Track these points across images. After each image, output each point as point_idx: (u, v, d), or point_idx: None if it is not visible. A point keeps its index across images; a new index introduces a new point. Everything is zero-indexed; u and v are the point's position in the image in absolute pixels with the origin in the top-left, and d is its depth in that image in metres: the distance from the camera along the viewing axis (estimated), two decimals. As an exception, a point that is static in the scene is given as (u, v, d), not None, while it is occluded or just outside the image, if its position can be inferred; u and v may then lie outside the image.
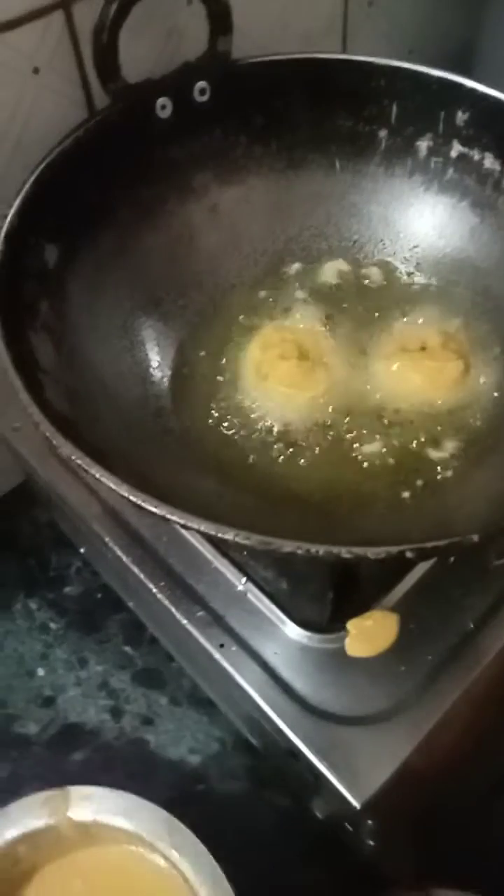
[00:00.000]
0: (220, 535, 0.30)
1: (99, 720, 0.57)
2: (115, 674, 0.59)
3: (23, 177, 0.43)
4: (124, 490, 0.32)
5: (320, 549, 0.29)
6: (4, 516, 0.67)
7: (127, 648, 0.61)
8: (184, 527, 0.31)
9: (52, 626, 0.62)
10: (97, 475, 0.33)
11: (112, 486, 0.32)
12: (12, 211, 0.41)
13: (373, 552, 0.30)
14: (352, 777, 0.38)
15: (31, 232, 0.42)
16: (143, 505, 0.31)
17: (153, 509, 0.31)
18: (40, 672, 0.60)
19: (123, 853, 0.43)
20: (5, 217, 0.41)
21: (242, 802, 0.53)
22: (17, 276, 0.40)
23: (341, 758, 0.39)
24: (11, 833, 0.42)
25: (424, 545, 0.29)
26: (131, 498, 0.32)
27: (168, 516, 0.31)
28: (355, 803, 0.37)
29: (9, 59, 0.45)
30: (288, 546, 0.30)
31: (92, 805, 0.42)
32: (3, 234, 0.40)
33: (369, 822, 0.38)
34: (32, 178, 0.42)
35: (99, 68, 0.45)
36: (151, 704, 0.58)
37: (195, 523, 0.31)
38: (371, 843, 0.40)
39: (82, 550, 0.62)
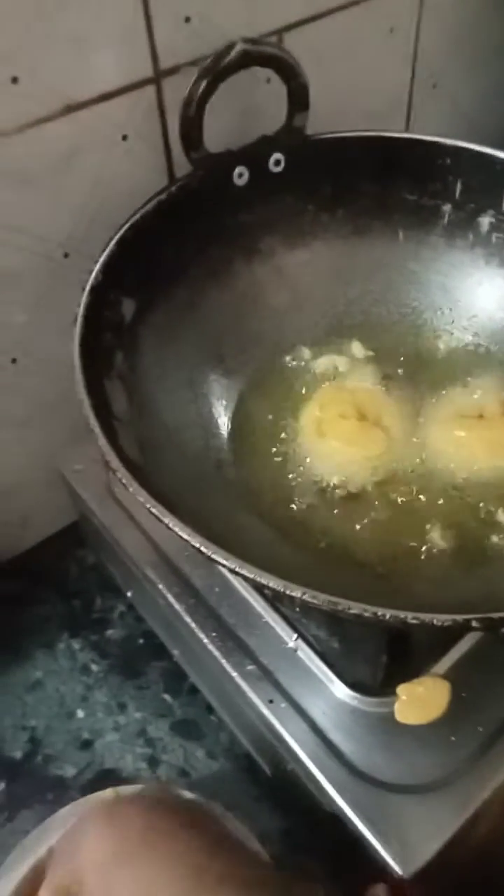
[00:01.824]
0: (287, 592, 0.31)
1: (135, 768, 0.57)
2: (153, 722, 0.59)
3: (104, 234, 0.46)
4: (197, 542, 0.33)
5: (387, 614, 0.30)
6: (53, 555, 0.68)
7: (166, 696, 0.60)
8: (252, 581, 0.32)
9: (94, 667, 0.62)
10: (170, 524, 0.34)
11: (185, 536, 0.33)
12: (97, 267, 0.43)
13: (438, 619, 0.30)
14: (399, 847, 0.37)
15: (112, 286, 0.44)
16: (214, 557, 0.32)
17: (224, 562, 0.32)
18: (80, 714, 0.60)
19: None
20: (88, 272, 0.44)
21: (276, 866, 0.52)
22: (97, 327, 0.42)
23: (389, 826, 0.38)
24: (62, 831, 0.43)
25: (491, 615, 0.30)
26: (203, 549, 0.33)
27: (238, 570, 0.32)
28: (401, 873, 0.37)
29: (101, 127, 0.48)
30: (355, 608, 0.30)
31: None
32: (88, 286, 0.42)
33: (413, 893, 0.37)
34: (117, 237, 0.45)
35: (184, 138, 0.47)
36: (188, 756, 0.57)
37: (264, 579, 0.31)
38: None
39: (129, 594, 0.63)
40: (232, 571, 0.32)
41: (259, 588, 0.45)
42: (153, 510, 0.34)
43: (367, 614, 0.30)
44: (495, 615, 0.29)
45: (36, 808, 0.55)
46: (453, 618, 0.30)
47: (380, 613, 0.30)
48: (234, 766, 0.56)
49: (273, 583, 0.31)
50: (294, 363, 0.53)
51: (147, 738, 0.59)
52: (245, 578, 0.32)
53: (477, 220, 0.51)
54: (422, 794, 0.39)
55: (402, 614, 0.30)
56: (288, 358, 0.53)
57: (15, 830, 0.53)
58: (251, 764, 0.55)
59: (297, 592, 0.31)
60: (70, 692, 0.61)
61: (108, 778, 0.56)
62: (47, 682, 0.61)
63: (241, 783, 0.55)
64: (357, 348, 0.53)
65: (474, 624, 0.29)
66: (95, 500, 0.53)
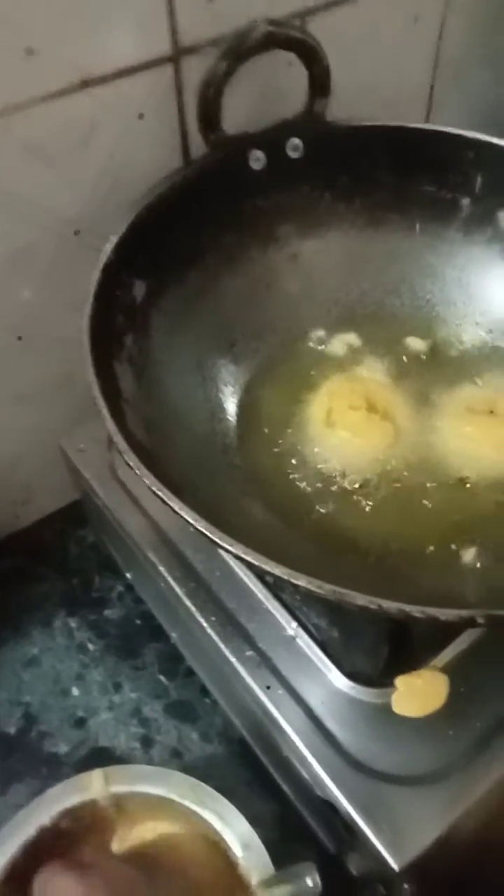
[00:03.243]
0: (292, 580, 0.31)
1: (129, 747, 0.57)
2: (148, 702, 0.59)
3: (116, 213, 0.45)
4: (202, 526, 0.33)
5: (393, 607, 0.30)
6: (53, 533, 0.68)
7: (162, 678, 0.61)
8: (256, 568, 0.32)
9: (91, 646, 0.62)
10: (175, 507, 0.34)
11: (190, 520, 0.33)
12: (111, 246, 0.43)
13: (443, 614, 0.30)
14: (393, 838, 0.38)
15: (124, 267, 0.44)
16: (219, 542, 0.32)
17: (228, 547, 0.32)
18: (75, 692, 0.60)
19: (157, 824, 0.48)
20: (97, 250, 0.43)
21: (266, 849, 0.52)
22: (108, 307, 0.42)
23: (383, 816, 0.38)
24: (54, 809, 0.46)
25: (496, 612, 0.30)
26: (207, 534, 0.33)
27: (243, 556, 0.32)
28: (394, 865, 0.37)
29: (118, 104, 0.47)
30: (361, 600, 0.30)
31: (126, 778, 0.47)
32: (101, 265, 0.42)
33: (405, 885, 0.38)
34: (132, 218, 0.44)
35: (202, 119, 0.47)
36: (182, 738, 0.58)
37: (269, 566, 0.31)
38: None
39: (129, 576, 0.63)
40: (236, 557, 0.32)
41: (262, 575, 0.45)
42: (159, 493, 0.34)
43: (372, 606, 0.30)
44: (500, 612, 0.29)
45: (28, 782, 0.56)
46: (458, 613, 0.30)
47: (385, 606, 0.30)
48: (227, 749, 0.57)
49: (278, 570, 0.31)
50: (305, 352, 0.53)
51: (141, 717, 0.59)
52: (249, 565, 0.32)
53: (496, 215, 0.51)
54: (417, 786, 0.39)
55: (407, 608, 0.30)
56: (299, 346, 0.53)
57: (7, 804, 0.54)
58: (245, 748, 0.56)
59: (301, 581, 0.31)
60: (66, 670, 0.61)
61: (101, 756, 0.57)
62: (43, 660, 0.62)
63: (234, 767, 0.56)
64: (369, 339, 0.53)
65: (479, 620, 0.30)
66: (98, 481, 0.53)
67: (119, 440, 0.36)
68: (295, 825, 0.52)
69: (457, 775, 0.39)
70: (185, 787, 0.46)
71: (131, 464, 0.35)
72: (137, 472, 0.35)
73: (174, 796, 0.46)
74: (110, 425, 0.36)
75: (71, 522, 0.68)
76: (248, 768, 0.55)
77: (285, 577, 0.31)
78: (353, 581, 0.32)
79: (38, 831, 0.45)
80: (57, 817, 0.46)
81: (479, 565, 0.41)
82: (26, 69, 0.43)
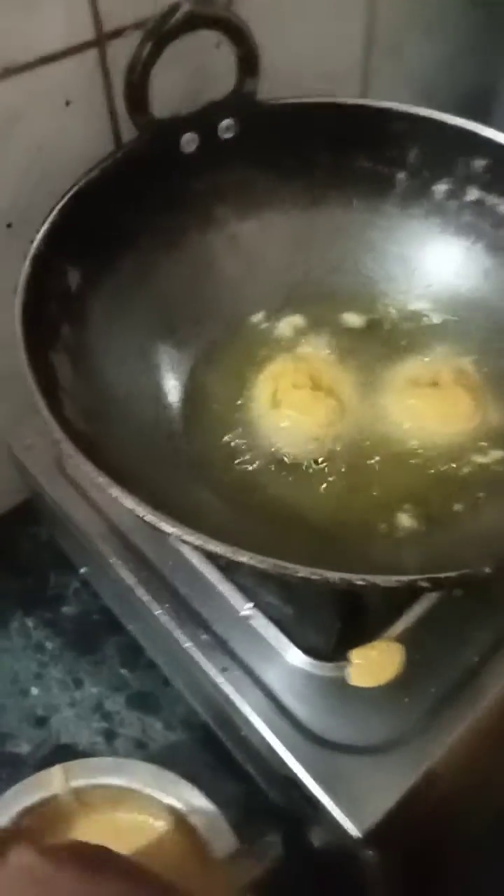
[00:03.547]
0: (235, 557, 0.31)
1: (91, 742, 0.57)
2: (110, 696, 0.59)
3: (49, 203, 0.44)
4: (142, 511, 0.32)
5: (335, 576, 0.30)
6: (5, 534, 0.67)
7: (123, 671, 0.60)
8: (200, 548, 0.32)
9: (49, 645, 0.62)
10: (115, 494, 0.33)
11: (130, 505, 0.33)
12: (39, 236, 0.42)
13: (385, 580, 0.30)
14: (352, 806, 0.38)
15: (55, 256, 0.43)
16: (161, 526, 0.32)
17: (171, 530, 0.32)
18: (34, 691, 0.60)
19: (118, 815, 0.48)
20: (31, 242, 0.43)
21: (235, 832, 0.52)
22: (41, 298, 0.41)
23: (342, 786, 0.39)
24: (14, 809, 0.46)
25: (438, 575, 0.30)
26: (148, 518, 0.32)
27: (185, 537, 0.31)
28: (355, 833, 0.37)
29: (43, 91, 0.46)
30: (302, 571, 0.30)
31: (86, 772, 0.48)
32: (29, 257, 0.41)
33: (369, 853, 0.38)
34: (60, 205, 0.43)
35: (129, 102, 0.46)
36: (146, 728, 0.57)
37: (212, 545, 0.31)
38: (369, 877, 0.40)
39: (82, 570, 0.62)
40: (179, 539, 0.32)
41: (208, 555, 0.45)
42: (98, 479, 0.33)
43: (315, 577, 0.30)
44: (442, 575, 0.30)
45: (-9, 785, 0.55)
46: (399, 578, 0.30)
47: (328, 576, 0.30)
48: (191, 736, 0.57)
49: (220, 549, 0.31)
50: (249, 334, 0.52)
51: (104, 712, 0.58)
52: (192, 546, 0.32)
53: (432, 188, 0.51)
54: (375, 755, 0.40)
55: (349, 576, 0.30)
56: (243, 329, 0.53)
57: (-30, 809, 0.53)
58: (208, 734, 0.56)
59: (243, 558, 0.31)
60: (24, 669, 0.61)
61: (64, 753, 0.56)
62: (1, 661, 0.61)
63: (198, 753, 0.56)
64: (313, 318, 0.53)
65: (422, 584, 0.30)
66: (45, 476, 0.52)
67: (55, 429, 0.35)
68: (260, 807, 0.52)
69: (413, 742, 0.40)
70: (147, 775, 0.47)
71: (68, 452, 0.34)
72: (75, 459, 0.34)
73: (136, 785, 0.46)
74: (46, 415, 0.36)
75: (23, 521, 0.67)
76: (212, 754, 0.55)
77: (227, 555, 0.31)
78: (303, 557, 0.32)
79: None
80: (17, 817, 0.46)
81: (423, 534, 0.42)
82: None
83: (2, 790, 0.54)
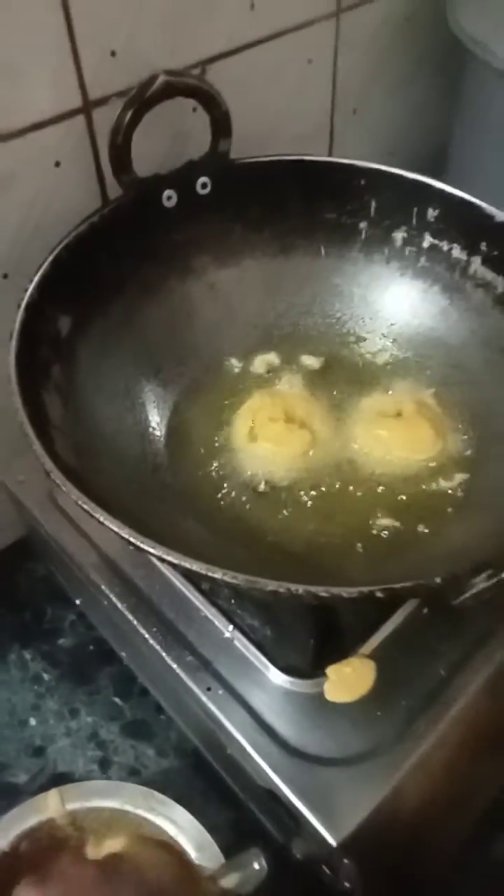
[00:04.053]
0: (209, 574, 0.34)
1: (87, 770, 0.59)
2: (104, 725, 0.61)
3: (41, 256, 0.48)
4: (125, 532, 0.35)
5: (300, 588, 0.33)
6: (3, 570, 0.70)
7: (117, 700, 0.62)
8: (177, 567, 0.35)
9: (45, 676, 0.64)
10: (101, 519, 0.36)
11: (114, 528, 0.35)
12: (32, 285, 0.46)
13: (347, 591, 0.33)
14: (330, 816, 0.40)
15: (47, 304, 0.46)
16: (142, 546, 0.35)
17: (150, 550, 0.35)
18: (32, 722, 0.61)
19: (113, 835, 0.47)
20: (25, 290, 0.46)
21: (225, 855, 0.54)
22: (33, 342, 0.45)
23: (320, 797, 0.40)
24: (11, 833, 0.48)
25: (393, 586, 0.33)
26: (131, 539, 0.35)
27: (164, 556, 0.34)
28: (332, 841, 0.39)
29: (35, 155, 0.50)
30: (271, 585, 0.33)
31: (81, 795, 0.49)
32: (23, 305, 0.45)
33: (346, 861, 0.40)
34: (51, 257, 0.47)
35: (113, 164, 0.50)
36: (139, 756, 0.59)
37: (187, 563, 0.34)
38: (348, 885, 0.42)
39: (78, 602, 0.65)
40: (160, 559, 0.35)
41: (188, 575, 0.47)
42: (85, 506, 0.36)
43: (282, 590, 0.33)
44: (397, 585, 0.33)
45: (-12, 814, 0.56)
46: (359, 589, 0.33)
47: (293, 589, 0.33)
48: (183, 762, 0.58)
49: (196, 566, 0.34)
50: (228, 373, 0.56)
51: (99, 740, 0.60)
52: (172, 565, 0.35)
53: (391, 235, 0.55)
54: (351, 767, 0.41)
55: (313, 588, 0.32)
56: (222, 368, 0.56)
57: (-32, 838, 0.54)
58: (199, 760, 0.57)
59: (217, 574, 0.33)
60: (21, 701, 0.63)
61: (60, 781, 0.57)
62: (-1, 692, 0.63)
63: (189, 778, 0.57)
64: (285, 356, 0.57)
65: (378, 594, 0.33)
66: (38, 509, 0.55)
67: (46, 461, 0.38)
68: (248, 829, 0.54)
69: (387, 753, 0.41)
70: (137, 797, 0.48)
71: (58, 481, 0.37)
72: (64, 488, 0.37)
73: (128, 807, 0.48)
74: (37, 447, 0.39)
75: (20, 557, 0.70)
76: (203, 779, 0.57)
77: (202, 571, 0.33)
78: (279, 578, 0.34)
79: None
80: (15, 841, 0.48)
81: (391, 554, 0.45)
82: None
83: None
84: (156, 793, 0.49)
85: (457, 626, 0.46)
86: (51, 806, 0.49)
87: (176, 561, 0.34)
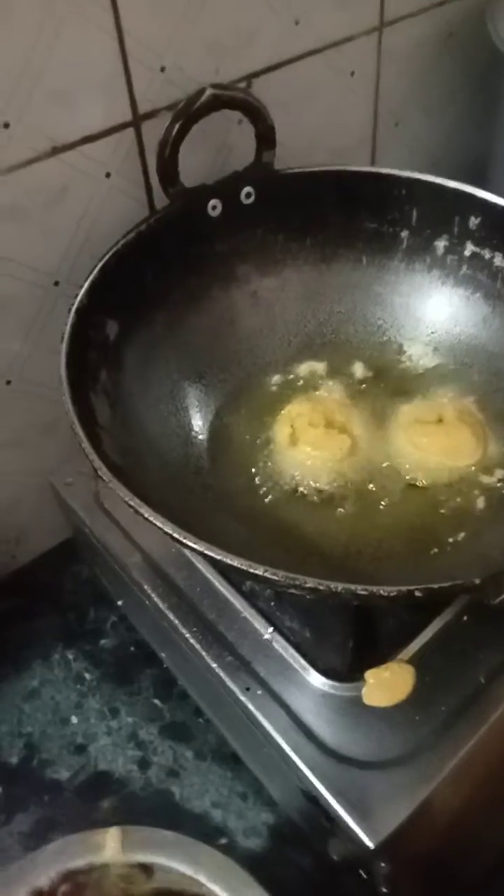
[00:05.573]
0: (250, 570, 0.34)
1: (126, 770, 0.59)
2: (144, 726, 0.62)
3: (91, 263, 0.50)
4: (169, 528, 0.36)
5: (339, 586, 0.33)
6: (48, 571, 0.71)
7: (157, 702, 0.63)
8: (219, 563, 0.35)
9: (88, 676, 0.65)
10: (145, 515, 0.37)
11: (158, 524, 0.36)
12: (82, 291, 0.48)
13: (385, 590, 0.33)
14: (367, 818, 0.40)
15: (96, 309, 0.48)
16: (185, 541, 0.36)
17: (194, 545, 0.35)
18: (74, 720, 0.62)
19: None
20: (76, 296, 0.48)
21: (263, 858, 0.54)
22: (83, 345, 0.46)
23: (357, 800, 0.40)
24: (54, 868, 0.40)
25: (431, 585, 0.33)
26: (174, 535, 0.36)
27: (206, 552, 0.35)
28: (369, 844, 0.39)
29: (87, 166, 0.52)
30: (310, 582, 0.33)
31: (145, 844, 0.40)
32: (74, 309, 0.46)
33: (382, 864, 0.40)
34: (101, 264, 0.49)
35: (161, 175, 0.52)
36: (178, 758, 0.60)
37: (229, 559, 0.35)
38: (384, 890, 0.41)
39: (120, 604, 0.66)
40: (202, 555, 0.36)
41: (228, 574, 0.48)
42: (130, 503, 0.37)
43: (321, 587, 0.33)
44: (436, 585, 0.33)
45: (32, 809, 0.57)
46: (398, 588, 0.33)
47: (332, 586, 0.33)
48: (221, 765, 0.59)
49: (237, 562, 0.34)
50: (268, 378, 0.57)
51: (138, 741, 0.61)
52: (213, 561, 0.35)
53: (433, 244, 0.56)
54: (389, 770, 0.41)
55: (352, 587, 0.33)
56: (264, 375, 0.57)
57: (11, 832, 0.56)
58: (238, 763, 0.58)
59: (259, 570, 0.34)
60: (65, 700, 0.64)
61: (101, 779, 0.59)
62: (43, 691, 0.64)
63: (228, 781, 0.58)
64: (327, 364, 0.57)
65: (417, 594, 0.33)
66: (85, 510, 0.56)
67: (94, 458, 0.39)
68: (287, 833, 0.54)
69: (424, 757, 0.41)
70: (215, 867, 0.39)
71: (105, 478, 0.39)
72: (111, 485, 0.38)
73: (202, 878, 0.39)
74: (86, 446, 0.40)
75: (65, 560, 0.71)
76: (242, 782, 0.57)
77: (244, 568, 0.34)
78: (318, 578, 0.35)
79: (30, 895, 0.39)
80: (56, 879, 0.39)
81: (434, 560, 0.45)
82: (2, 141, 0.48)
83: (44, 816, 0.57)
84: (240, 868, 0.39)
85: (496, 634, 0.45)
86: (108, 847, 0.40)
87: (218, 557, 0.35)
